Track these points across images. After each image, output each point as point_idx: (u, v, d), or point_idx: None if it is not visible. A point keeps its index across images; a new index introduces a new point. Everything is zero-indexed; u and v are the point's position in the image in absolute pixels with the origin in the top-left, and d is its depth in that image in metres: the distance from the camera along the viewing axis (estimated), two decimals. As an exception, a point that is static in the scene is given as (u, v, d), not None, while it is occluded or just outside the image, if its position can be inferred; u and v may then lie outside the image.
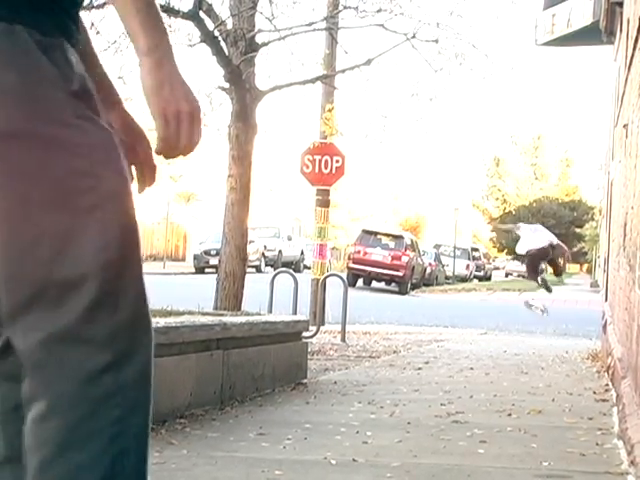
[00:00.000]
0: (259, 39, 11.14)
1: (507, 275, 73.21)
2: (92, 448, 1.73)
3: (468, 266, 53.26)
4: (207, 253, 38.62)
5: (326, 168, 15.52)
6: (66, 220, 1.72)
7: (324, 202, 15.78)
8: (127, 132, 2.00)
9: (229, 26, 10.95)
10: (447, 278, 46.55)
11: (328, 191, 15.89)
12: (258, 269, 38.25)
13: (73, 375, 1.73)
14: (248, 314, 8.36)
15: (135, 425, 1.81)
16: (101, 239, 1.73)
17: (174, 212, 48.76)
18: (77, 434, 1.72)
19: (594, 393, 7.75)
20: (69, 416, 1.72)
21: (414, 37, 11.40)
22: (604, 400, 7.27)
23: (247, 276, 11.53)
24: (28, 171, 1.71)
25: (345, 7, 11.75)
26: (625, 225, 7.91)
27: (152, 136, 1.99)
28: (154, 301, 7.41)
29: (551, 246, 18.37)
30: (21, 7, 1.75)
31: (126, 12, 1.84)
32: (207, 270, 37.13)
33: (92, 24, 10.44)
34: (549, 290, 18.68)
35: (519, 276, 69.02)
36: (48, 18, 1.79)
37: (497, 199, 65.70)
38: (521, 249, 18.30)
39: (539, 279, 18.54)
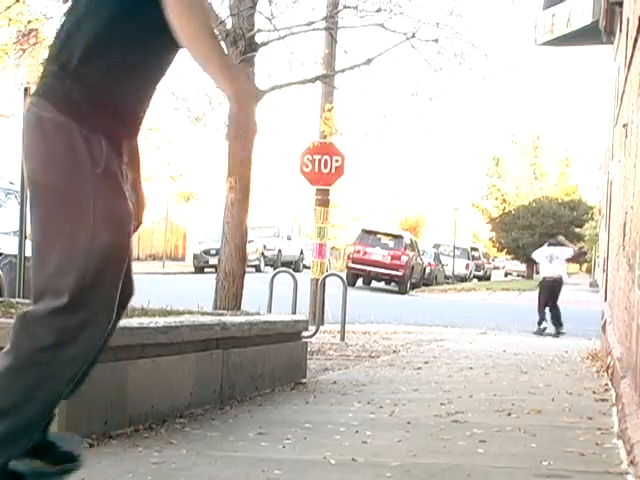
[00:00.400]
0: (259, 39, 11.14)
1: (506, 275, 73.32)
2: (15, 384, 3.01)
3: (467, 266, 53.29)
4: (207, 253, 38.64)
5: (326, 168, 15.52)
6: (65, 255, 2.96)
7: (324, 202, 15.78)
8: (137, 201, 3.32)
9: (228, 26, 10.94)
10: (447, 278, 46.56)
11: (328, 191, 15.89)
12: (258, 269, 38.27)
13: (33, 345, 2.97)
14: (248, 314, 8.36)
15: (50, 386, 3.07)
16: (82, 270, 2.94)
17: (174, 212, 48.78)
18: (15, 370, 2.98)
19: (594, 393, 7.75)
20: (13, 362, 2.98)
21: (414, 37, 11.40)
22: (604, 400, 7.27)
23: (247, 276, 11.53)
24: (52, 211, 2.99)
25: (345, 7, 11.75)
26: (624, 225, 7.91)
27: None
28: (153, 300, 7.39)
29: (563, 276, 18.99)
30: (78, 113, 2.95)
31: (200, 54, 3.01)
32: (206, 270, 37.16)
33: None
34: (539, 333, 18.36)
35: (518, 276, 69.14)
36: (94, 120, 2.96)
37: (497, 199, 65.66)
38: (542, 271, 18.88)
39: (543, 317, 18.61)
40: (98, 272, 2.96)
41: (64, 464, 3.42)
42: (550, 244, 19.63)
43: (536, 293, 19.82)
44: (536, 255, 19.63)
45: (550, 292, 18.73)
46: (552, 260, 18.98)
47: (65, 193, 2.97)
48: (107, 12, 2.97)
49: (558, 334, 18.20)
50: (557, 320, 18.56)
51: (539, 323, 18.56)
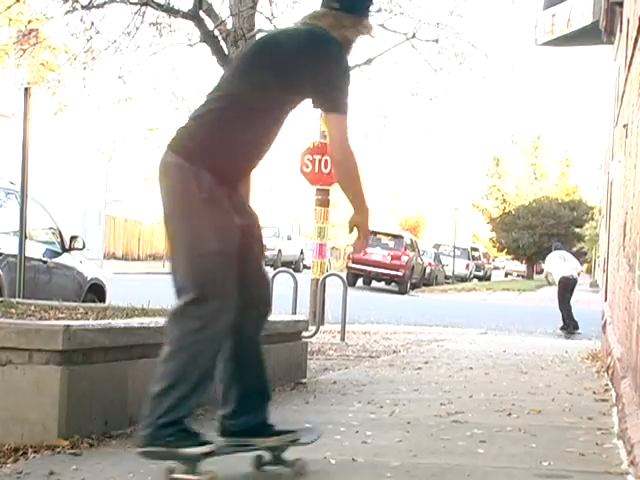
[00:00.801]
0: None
1: (507, 275, 73.31)
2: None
3: (468, 266, 53.30)
4: (207, 253, 38.64)
5: (326, 168, 15.51)
6: (187, 262, 3.99)
7: (324, 202, 15.77)
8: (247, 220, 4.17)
9: (229, 26, 10.94)
10: (447, 278, 46.56)
11: (328, 191, 15.88)
12: (258, 269, 38.21)
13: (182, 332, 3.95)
14: (248, 314, 8.34)
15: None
16: (199, 271, 3.96)
17: (174, 212, 48.70)
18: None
19: (594, 393, 7.75)
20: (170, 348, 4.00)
21: (414, 37, 11.40)
22: (604, 400, 7.27)
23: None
24: (178, 230, 4.01)
25: (345, 7, 11.74)
26: (625, 225, 7.91)
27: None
28: (154, 300, 7.40)
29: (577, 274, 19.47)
30: (190, 156, 3.92)
31: (349, 193, 4.13)
32: (207, 270, 37.14)
33: (92, 24, 10.44)
34: (576, 327, 18.97)
35: (518, 276, 69.14)
36: (201, 162, 3.93)
37: (497, 199, 65.69)
38: (556, 274, 19.34)
39: (567, 310, 19.08)
40: (212, 272, 3.95)
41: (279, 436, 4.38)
42: (556, 248, 19.87)
43: (536, 294, 19.98)
44: (549, 263, 19.87)
45: (571, 290, 19.30)
46: (565, 259, 19.60)
47: (183, 215, 3.98)
48: (234, 118, 4.00)
49: (568, 332, 18.68)
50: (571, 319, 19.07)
51: (576, 327, 18.87)
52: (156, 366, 4.09)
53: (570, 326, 18.96)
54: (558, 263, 19.53)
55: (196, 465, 3.98)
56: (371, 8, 4.47)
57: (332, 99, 4.01)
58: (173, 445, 3.95)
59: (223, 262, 3.96)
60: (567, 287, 19.31)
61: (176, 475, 3.99)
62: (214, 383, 4.19)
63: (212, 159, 3.96)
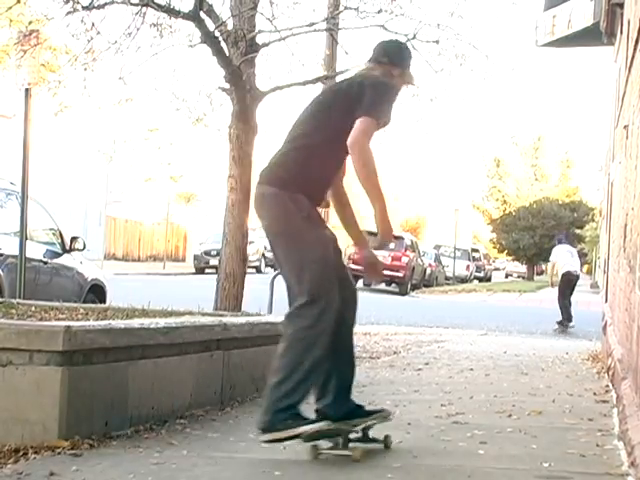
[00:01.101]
0: (260, 40, 11.13)
1: (507, 276, 73.28)
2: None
3: (468, 267, 53.28)
4: (207, 254, 38.66)
5: (326, 169, 15.51)
6: (299, 271, 4.71)
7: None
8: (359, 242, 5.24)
9: (230, 27, 10.93)
10: (447, 279, 46.54)
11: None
12: (258, 270, 38.29)
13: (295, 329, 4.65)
14: (248, 315, 8.35)
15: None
16: (309, 277, 4.66)
17: (174, 212, 48.79)
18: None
19: (594, 394, 7.75)
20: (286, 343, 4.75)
21: (414, 38, 11.38)
22: (604, 401, 7.27)
23: (247, 277, 11.52)
24: (287, 246, 4.76)
25: (346, 8, 11.73)
26: (625, 226, 7.91)
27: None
28: (154, 301, 7.39)
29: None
30: (287, 187, 4.68)
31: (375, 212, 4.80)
32: (207, 270, 37.16)
33: (93, 24, 10.44)
34: (570, 320, 19.24)
35: (519, 277, 69.11)
36: (296, 188, 4.72)
37: (497, 200, 65.67)
38: (560, 267, 19.50)
39: (565, 306, 19.33)
40: (320, 276, 4.69)
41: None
42: (560, 241, 20.15)
43: (536, 295, 20.05)
44: (557, 256, 19.90)
45: (572, 286, 19.53)
46: (572, 255, 19.82)
47: (288, 233, 4.77)
48: (318, 151, 4.80)
49: (566, 327, 18.97)
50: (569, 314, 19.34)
51: (570, 320, 19.18)
52: (157, 367, 4.09)
53: (564, 319, 19.18)
54: (566, 257, 19.64)
55: (340, 441, 4.81)
56: (412, 62, 5.24)
57: (366, 106, 4.69)
58: (292, 426, 4.58)
59: (328, 267, 4.73)
60: (569, 283, 19.48)
61: (324, 450, 4.78)
62: (323, 374, 4.82)
63: (306, 185, 4.75)
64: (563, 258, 19.63)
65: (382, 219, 4.83)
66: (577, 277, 19.95)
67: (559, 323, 19.25)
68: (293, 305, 4.80)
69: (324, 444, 4.81)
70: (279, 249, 4.87)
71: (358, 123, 4.64)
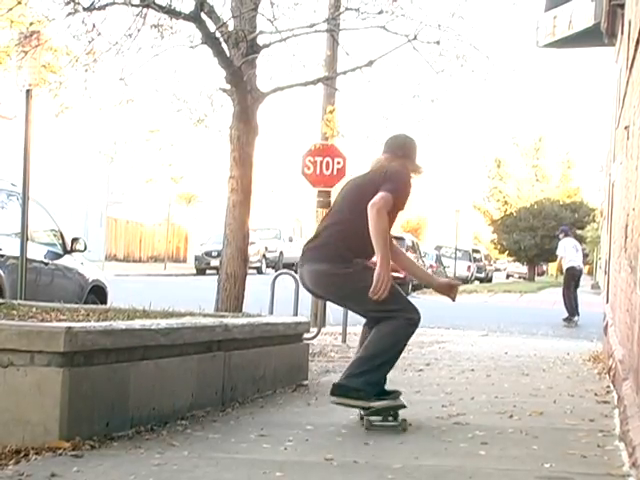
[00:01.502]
0: (260, 41, 11.13)
1: (508, 277, 73.28)
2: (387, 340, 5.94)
3: (469, 267, 53.27)
4: (208, 254, 38.65)
5: (327, 169, 15.51)
6: (354, 298, 6.16)
7: (325, 203, 15.75)
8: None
9: (230, 28, 10.93)
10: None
11: (329, 192, 15.87)
12: (259, 270, 38.27)
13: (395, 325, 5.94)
14: (249, 315, 8.35)
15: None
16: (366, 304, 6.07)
17: (175, 213, 48.80)
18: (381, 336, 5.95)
19: (595, 395, 7.75)
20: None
21: (415, 39, 11.37)
22: (605, 402, 7.27)
23: (248, 277, 11.52)
24: (340, 284, 6.10)
25: (346, 9, 11.72)
26: (626, 227, 7.91)
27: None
28: (155, 302, 7.39)
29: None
30: (336, 260, 6.05)
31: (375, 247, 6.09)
32: (208, 271, 37.16)
33: (94, 25, 10.43)
34: (575, 314, 20.20)
35: (520, 278, 69.10)
36: (348, 258, 6.10)
37: (498, 201, 65.66)
38: (566, 261, 20.59)
39: (570, 300, 20.36)
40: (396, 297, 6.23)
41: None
42: (566, 233, 21.02)
43: (537, 295, 20.24)
44: (564, 250, 20.71)
45: (577, 279, 20.67)
46: (578, 250, 20.84)
47: (354, 287, 6.08)
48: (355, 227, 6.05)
49: (573, 322, 19.89)
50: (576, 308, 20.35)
51: (575, 314, 20.19)
52: (158, 368, 4.08)
53: (570, 312, 19.99)
54: (572, 252, 20.47)
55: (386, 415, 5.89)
56: (421, 173, 6.49)
57: (388, 186, 5.95)
58: (364, 398, 5.79)
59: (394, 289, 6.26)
60: (574, 277, 20.42)
61: (377, 423, 5.82)
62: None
63: (347, 252, 6.10)
64: (570, 253, 20.39)
65: (380, 265, 6.03)
66: (581, 271, 20.97)
67: (566, 319, 19.90)
68: (383, 319, 6.07)
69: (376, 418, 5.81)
70: (353, 303, 6.34)
71: (380, 194, 5.89)
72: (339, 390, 5.86)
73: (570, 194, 65.31)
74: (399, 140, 6.50)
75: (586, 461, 4.84)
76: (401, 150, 6.36)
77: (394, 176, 6.09)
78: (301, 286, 6.62)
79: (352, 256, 6.08)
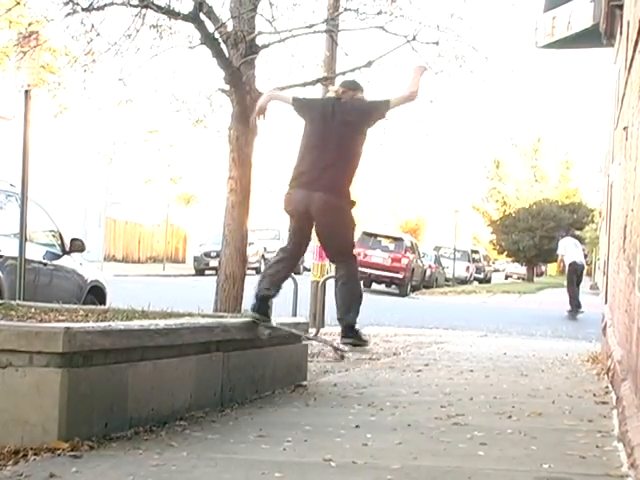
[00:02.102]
0: (259, 41, 11.13)
1: (507, 277, 73.28)
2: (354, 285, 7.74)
3: (468, 268, 53.28)
4: (207, 255, 38.66)
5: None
6: (345, 235, 7.68)
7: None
8: None
9: (229, 28, 10.94)
10: (447, 280, 46.55)
11: (328, 193, 15.86)
12: (258, 271, 38.22)
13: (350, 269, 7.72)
14: (248, 316, 8.34)
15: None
16: (350, 242, 7.77)
17: (174, 214, 48.80)
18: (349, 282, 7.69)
19: (594, 395, 7.75)
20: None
21: (414, 39, 11.38)
22: (604, 402, 7.27)
23: (247, 278, 11.52)
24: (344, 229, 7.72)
25: (345, 9, 11.73)
26: (625, 227, 7.91)
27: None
28: (154, 303, 7.38)
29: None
30: (342, 194, 7.64)
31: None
32: (207, 272, 37.18)
33: (92, 26, 10.44)
34: (579, 306, 22.60)
35: (519, 278, 69.10)
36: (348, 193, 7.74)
37: (497, 201, 65.67)
38: (567, 258, 22.79)
39: (574, 293, 22.73)
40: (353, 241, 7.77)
41: None
42: (567, 232, 23.78)
43: (536, 296, 20.49)
44: (564, 247, 22.86)
45: (579, 274, 22.83)
46: (577, 246, 23.03)
47: (348, 222, 7.62)
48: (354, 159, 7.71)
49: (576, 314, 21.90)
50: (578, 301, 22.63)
51: (579, 306, 22.47)
52: (157, 368, 4.08)
53: (573, 305, 22.22)
54: (572, 248, 22.48)
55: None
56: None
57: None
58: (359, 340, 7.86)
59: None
60: (576, 271, 22.40)
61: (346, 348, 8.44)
62: None
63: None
64: (570, 250, 22.36)
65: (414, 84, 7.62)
66: (582, 267, 22.99)
67: (570, 312, 21.88)
68: (341, 257, 7.68)
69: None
70: (341, 230, 7.65)
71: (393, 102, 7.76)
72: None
73: (569, 195, 65.31)
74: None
75: (585, 462, 4.84)
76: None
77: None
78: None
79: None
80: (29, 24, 10.93)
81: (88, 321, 6.05)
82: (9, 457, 4.58)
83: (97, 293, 11.76)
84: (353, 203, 7.64)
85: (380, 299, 29.29)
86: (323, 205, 7.37)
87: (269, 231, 42.64)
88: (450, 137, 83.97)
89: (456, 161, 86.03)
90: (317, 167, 7.41)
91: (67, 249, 11.38)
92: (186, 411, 5.97)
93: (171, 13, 10.38)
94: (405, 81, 7.87)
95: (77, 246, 11.48)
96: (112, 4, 10.23)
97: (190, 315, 7.31)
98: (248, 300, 11.46)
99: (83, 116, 20.01)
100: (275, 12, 11.18)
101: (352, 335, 7.69)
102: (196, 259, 40.46)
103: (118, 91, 11.06)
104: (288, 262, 7.63)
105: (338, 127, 7.46)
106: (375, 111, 7.65)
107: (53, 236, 11.46)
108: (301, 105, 7.94)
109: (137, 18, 10.45)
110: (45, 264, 10.87)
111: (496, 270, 73.27)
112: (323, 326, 14.22)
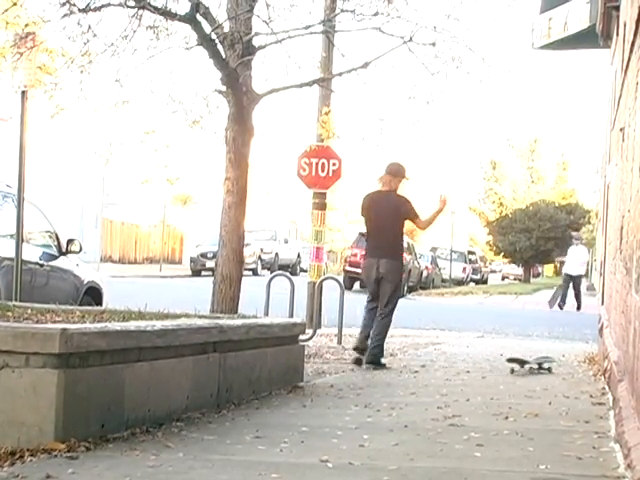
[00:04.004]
0: (256, 42, 11.12)
1: (503, 278, 73.30)
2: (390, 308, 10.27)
3: (465, 269, 53.28)
4: (204, 256, 38.61)
5: (323, 171, 15.52)
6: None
7: (321, 205, 15.77)
8: None
9: (226, 29, 10.92)
10: (444, 281, 46.54)
11: (325, 194, 15.89)
12: (255, 272, 38.25)
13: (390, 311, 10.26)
14: (245, 317, 8.35)
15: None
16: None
17: (171, 215, 48.74)
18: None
19: (591, 396, 7.76)
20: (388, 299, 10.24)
21: (411, 40, 11.37)
22: (601, 403, 7.28)
23: (244, 279, 11.52)
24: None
25: (342, 10, 11.72)
26: (621, 228, 7.92)
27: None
28: (150, 304, 7.39)
29: None
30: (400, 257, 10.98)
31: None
32: (203, 273, 37.15)
33: (89, 27, 10.42)
34: (561, 306, 26.48)
35: (515, 279, 69.11)
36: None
37: (493, 202, 65.69)
38: (581, 269, 27.46)
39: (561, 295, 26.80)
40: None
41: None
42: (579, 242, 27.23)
43: (533, 297, 20.64)
44: (568, 256, 27.46)
45: (574, 283, 27.22)
46: (581, 256, 26.99)
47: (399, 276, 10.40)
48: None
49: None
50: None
51: (560, 306, 26.51)
52: (153, 369, 4.08)
53: (554, 301, 26.57)
54: (573, 259, 26.75)
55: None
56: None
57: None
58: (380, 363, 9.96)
59: None
60: (567, 280, 26.91)
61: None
62: None
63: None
64: (570, 260, 26.66)
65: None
66: (577, 277, 27.17)
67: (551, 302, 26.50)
68: (389, 305, 10.14)
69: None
70: (393, 285, 10.21)
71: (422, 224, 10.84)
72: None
73: (565, 196, 65.34)
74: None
75: (581, 463, 4.84)
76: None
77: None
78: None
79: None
80: (26, 25, 10.91)
81: (85, 322, 6.04)
82: (5, 458, 4.57)
83: (93, 294, 11.75)
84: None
85: (377, 300, 29.26)
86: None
87: (266, 232, 42.59)
88: (447, 138, 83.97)
89: (453, 162, 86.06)
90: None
91: (63, 250, 11.37)
92: (183, 412, 5.96)
93: (168, 14, 10.37)
94: (430, 209, 10.77)
95: (73, 247, 11.46)
96: (109, 5, 10.22)
97: (187, 316, 7.31)
98: (244, 301, 11.49)
99: (80, 117, 19.99)
100: (272, 13, 11.16)
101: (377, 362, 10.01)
102: (193, 260, 40.42)
103: (115, 92, 11.04)
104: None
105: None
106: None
107: (49, 237, 11.44)
108: None
109: (134, 19, 10.44)
110: (41, 265, 10.86)
111: (493, 271, 73.30)
112: (320, 327, 14.22)
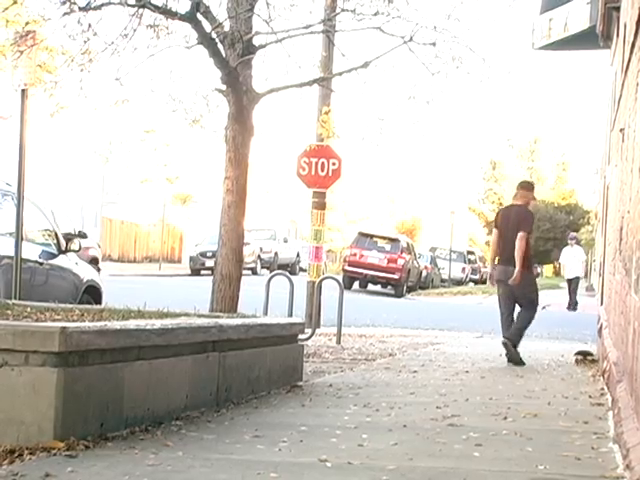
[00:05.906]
0: (256, 41, 11.13)
1: (503, 279, 73.20)
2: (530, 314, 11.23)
3: (464, 269, 53.24)
4: (203, 255, 38.60)
5: (322, 171, 15.53)
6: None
7: (320, 204, 15.77)
8: None
9: (226, 28, 10.93)
10: (443, 281, 46.53)
11: (324, 193, 15.89)
12: (254, 271, 38.25)
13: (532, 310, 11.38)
14: (244, 316, 8.35)
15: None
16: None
17: (170, 214, 48.74)
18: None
19: (590, 397, 7.76)
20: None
21: (411, 40, 11.38)
22: (599, 404, 7.28)
23: (243, 278, 11.52)
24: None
25: (342, 10, 11.73)
26: (621, 229, 7.92)
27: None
28: (150, 303, 7.39)
29: None
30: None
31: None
32: (203, 272, 37.14)
33: (89, 25, 10.42)
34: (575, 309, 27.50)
35: (515, 279, 69.10)
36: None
37: (493, 202, 65.71)
38: (577, 271, 28.03)
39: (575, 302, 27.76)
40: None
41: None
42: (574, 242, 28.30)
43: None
44: (562, 256, 28.79)
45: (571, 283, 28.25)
46: (576, 257, 27.93)
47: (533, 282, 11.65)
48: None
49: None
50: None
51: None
52: (153, 368, 4.07)
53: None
54: (568, 260, 27.94)
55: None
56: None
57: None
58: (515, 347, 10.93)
59: None
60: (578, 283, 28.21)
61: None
62: None
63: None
64: (566, 262, 28.14)
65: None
66: (575, 278, 28.40)
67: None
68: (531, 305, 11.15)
69: None
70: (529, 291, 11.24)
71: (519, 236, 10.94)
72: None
73: (565, 196, 65.40)
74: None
75: (580, 463, 4.84)
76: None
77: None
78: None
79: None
80: (26, 23, 10.90)
81: (84, 321, 6.04)
82: (4, 456, 4.58)
83: (93, 293, 11.74)
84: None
85: (376, 300, 29.30)
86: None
87: (265, 231, 42.57)
88: (447, 138, 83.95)
89: (452, 162, 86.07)
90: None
91: (63, 248, 11.37)
92: (182, 411, 5.96)
93: (168, 13, 10.37)
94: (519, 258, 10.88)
95: (73, 245, 11.46)
96: (109, 4, 10.22)
97: (186, 315, 7.31)
98: (244, 300, 11.49)
99: (80, 115, 20.01)
100: (272, 12, 11.17)
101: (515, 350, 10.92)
102: (192, 259, 40.40)
103: (115, 91, 11.05)
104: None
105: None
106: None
107: (49, 235, 11.44)
108: None
109: (134, 18, 10.44)
110: (41, 263, 10.85)
111: (492, 271, 73.16)
112: (319, 327, 14.22)
